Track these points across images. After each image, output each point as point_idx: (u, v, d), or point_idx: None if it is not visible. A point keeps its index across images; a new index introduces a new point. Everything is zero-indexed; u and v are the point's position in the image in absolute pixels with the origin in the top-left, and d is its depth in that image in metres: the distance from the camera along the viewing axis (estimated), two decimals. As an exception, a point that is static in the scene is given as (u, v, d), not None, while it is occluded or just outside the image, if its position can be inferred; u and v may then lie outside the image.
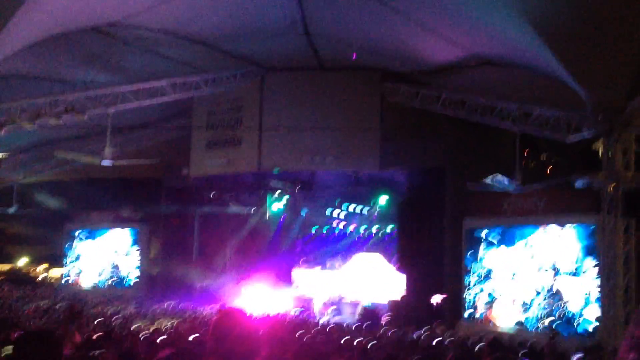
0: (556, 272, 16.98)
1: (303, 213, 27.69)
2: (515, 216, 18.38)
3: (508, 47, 15.29)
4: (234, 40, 18.82)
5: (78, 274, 31.45)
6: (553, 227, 17.33)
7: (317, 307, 27.70)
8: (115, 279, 29.92)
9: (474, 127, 18.91)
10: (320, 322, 22.37)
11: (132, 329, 15.36)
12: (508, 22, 13.27)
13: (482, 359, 7.63)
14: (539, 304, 17.35)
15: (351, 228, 28.32)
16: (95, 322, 17.01)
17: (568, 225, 16.92)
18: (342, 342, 11.88)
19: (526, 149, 19.20)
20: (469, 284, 19.48)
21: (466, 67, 17.42)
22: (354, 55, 19.25)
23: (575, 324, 16.26)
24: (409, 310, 21.00)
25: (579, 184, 14.97)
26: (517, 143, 17.12)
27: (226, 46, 19.35)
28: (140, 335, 11.06)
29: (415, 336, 15.56)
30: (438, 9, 14.87)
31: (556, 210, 17.31)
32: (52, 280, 34.90)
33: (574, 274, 16.51)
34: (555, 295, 16.90)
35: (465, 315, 19.41)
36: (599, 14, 11.60)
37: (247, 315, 2.82)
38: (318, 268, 29.25)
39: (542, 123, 16.18)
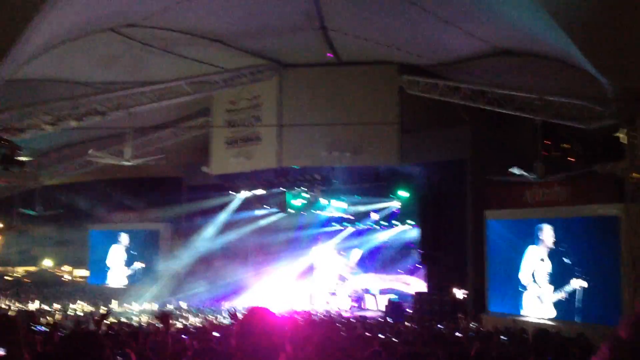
0: (579, 262, 16.85)
1: (323, 208, 27.71)
2: (537, 207, 18.23)
3: (527, 37, 15.15)
4: (251, 37, 18.86)
5: (102, 274, 31.79)
6: (575, 220, 17.21)
7: (341, 300, 27.84)
8: (139, 277, 30.18)
9: (494, 118, 18.79)
10: (344, 315, 22.46)
11: (158, 326, 15.52)
12: (526, 12, 13.15)
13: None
14: (564, 296, 17.23)
15: (371, 222, 28.33)
16: (121, 320, 17.21)
17: (590, 217, 16.79)
18: (365, 336, 11.88)
19: (547, 139, 19.06)
20: (491, 277, 19.39)
21: (484, 57, 17.31)
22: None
23: (600, 315, 16.14)
24: (433, 303, 20.97)
25: (600, 169, 14.84)
26: (538, 133, 16.99)
27: (243, 43, 19.40)
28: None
29: (439, 329, 15.53)
30: (454, 0, 14.79)
31: (579, 199, 17.15)
32: (78, 281, 35.33)
33: (598, 264, 16.38)
34: (580, 286, 16.77)
35: (489, 308, 19.32)
36: (619, 1, 11.46)
37: (273, 312, 2.85)
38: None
39: (563, 112, 16.04)
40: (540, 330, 12.44)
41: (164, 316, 5.05)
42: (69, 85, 19.81)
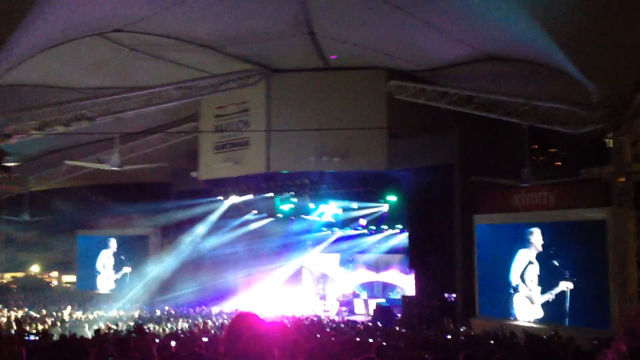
0: (567, 266, 16.94)
1: (312, 212, 27.75)
2: (525, 211, 18.33)
3: (514, 43, 15.24)
4: (239, 43, 18.84)
5: (91, 279, 31.65)
6: (563, 224, 17.32)
7: (330, 305, 27.84)
8: (128, 282, 30.03)
9: (482, 123, 18.87)
10: (334, 319, 22.48)
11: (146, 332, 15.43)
12: (513, 18, 13.23)
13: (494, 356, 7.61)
14: (552, 300, 17.32)
15: (360, 228, 28.38)
16: (109, 326, 17.14)
17: (578, 222, 16.90)
18: (355, 341, 11.89)
19: (535, 145, 19.19)
20: (481, 281, 19.44)
21: (471, 63, 17.39)
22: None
23: (588, 318, 16.24)
24: (422, 308, 21.01)
25: (587, 173, 14.95)
26: (525, 138, 17.10)
27: (231, 49, 19.37)
28: (155, 340, 11.10)
29: (427, 334, 15.57)
30: (442, 6, 14.85)
31: (567, 204, 17.26)
32: (65, 286, 35.14)
33: (586, 268, 16.49)
34: (568, 288, 16.86)
35: (479, 312, 19.37)
36: (606, 8, 11.56)
37: (260, 317, 2.85)
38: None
39: (550, 117, 16.15)
40: (531, 336, 12.50)
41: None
42: (55, 90, 19.70)
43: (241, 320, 2.86)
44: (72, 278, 34.55)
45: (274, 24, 17.46)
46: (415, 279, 23.16)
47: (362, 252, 29.92)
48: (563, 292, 16.96)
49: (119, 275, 30.73)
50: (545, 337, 13.87)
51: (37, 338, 10.83)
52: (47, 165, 27.39)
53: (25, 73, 17.65)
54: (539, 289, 17.69)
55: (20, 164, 24.80)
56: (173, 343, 10.48)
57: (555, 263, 17.24)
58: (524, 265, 18.21)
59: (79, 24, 15.41)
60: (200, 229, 27.55)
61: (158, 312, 23.75)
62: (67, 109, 18.06)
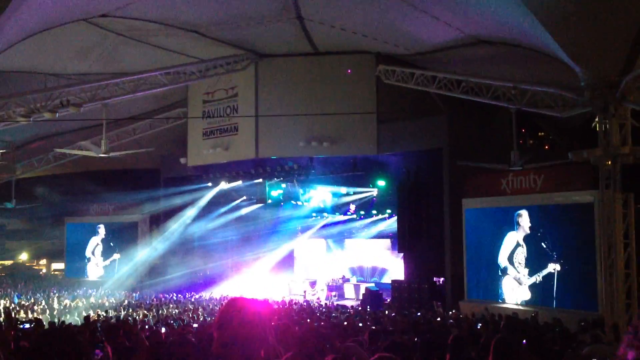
0: (555, 248, 17.06)
1: (301, 198, 27.75)
2: (514, 195, 18.41)
3: (502, 26, 15.23)
4: (227, 27, 18.72)
5: (80, 266, 31.55)
6: (551, 207, 17.42)
7: (320, 290, 27.91)
8: (117, 268, 29.98)
9: (471, 108, 18.88)
10: (324, 304, 22.56)
11: (136, 319, 15.43)
12: (502, 1, 13.22)
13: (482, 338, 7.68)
14: (539, 282, 17.45)
15: (349, 212, 28.44)
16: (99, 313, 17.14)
17: (566, 204, 17.00)
18: (345, 325, 11.94)
19: (523, 128, 19.24)
20: (469, 264, 19.55)
21: (460, 47, 17.37)
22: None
23: (576, 299, 16.38)
24: (411, 291, 21.11)
25: (574, 157, 14.99)
26: (513, 121, 17.13)
27: (219, 33, 19.26)
28: (145, 326, 11.11)
29: (417, 317, 15.66)
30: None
31: (555, 187, 17.34)
32: (54, 274, 35.03)
33: (574, 250, 16.61)
34: (555, 270, 16.99)
35: (467, 295, 19.49)
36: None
37: (252, 302, 2.85)
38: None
39: (538, 100, 16.17)
40: (511, 317, 12.59)
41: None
42: (42, 76, 19.53)
43: (233, 304, 2.85)
44: (61, 266, 34.43)
45: (261, 8, 17.36)
46: (405, 263, 23.26)
47: (352, 236, 30.01)
48: (551, 274, 17.09)
49: (108, 262, 30.65)
50: (527, 319, 14.02)
51: (31, 326, 10.83)
52: (35, 153, 27.20)
53: (11, 59, 17.49)
54: (527, 270, 17.82)
55: (7, 151, 24.63)
56: (163, 329, 10.51)
57: (543, 245, 17.36)
58: (512, 247, 18.32)
59: (65, 9, 15.26)
60: (190, 213, 27.48)
61: (147, 299, 23.75)
62: (54, 95, 17.88)
